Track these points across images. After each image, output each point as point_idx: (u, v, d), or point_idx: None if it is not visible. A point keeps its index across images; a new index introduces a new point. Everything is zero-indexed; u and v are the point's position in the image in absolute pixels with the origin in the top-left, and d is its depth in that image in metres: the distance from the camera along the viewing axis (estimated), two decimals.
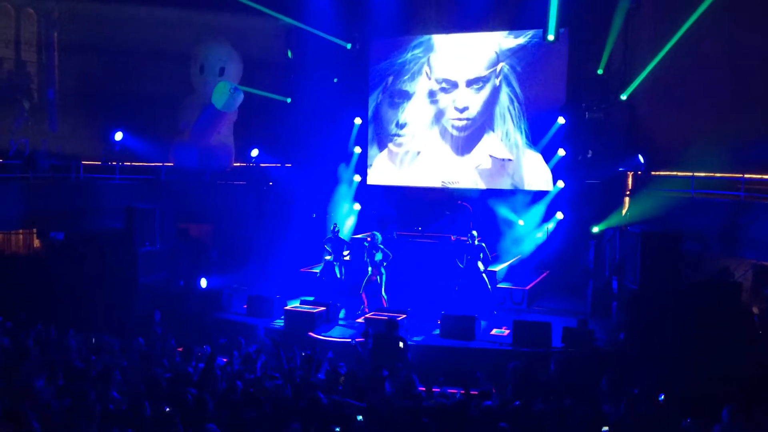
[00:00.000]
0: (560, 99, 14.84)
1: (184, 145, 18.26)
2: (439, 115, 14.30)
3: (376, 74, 17.14)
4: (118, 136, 16.71)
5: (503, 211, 15.29)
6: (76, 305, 12.65)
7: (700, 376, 9.57)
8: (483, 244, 13.10)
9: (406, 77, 15.04)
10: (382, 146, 16.92)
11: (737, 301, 10.92)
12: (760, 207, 12.48)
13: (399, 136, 16.15)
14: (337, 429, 6.26)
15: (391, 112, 16.56)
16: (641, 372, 9.51)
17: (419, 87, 14.56)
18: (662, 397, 8.25)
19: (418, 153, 14.85)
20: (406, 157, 16.05)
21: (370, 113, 17.13)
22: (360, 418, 6.87)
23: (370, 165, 17.33)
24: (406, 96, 15.84)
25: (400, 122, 16.15)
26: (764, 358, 10.04)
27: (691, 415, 7.52)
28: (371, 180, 17.85)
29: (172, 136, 18.35)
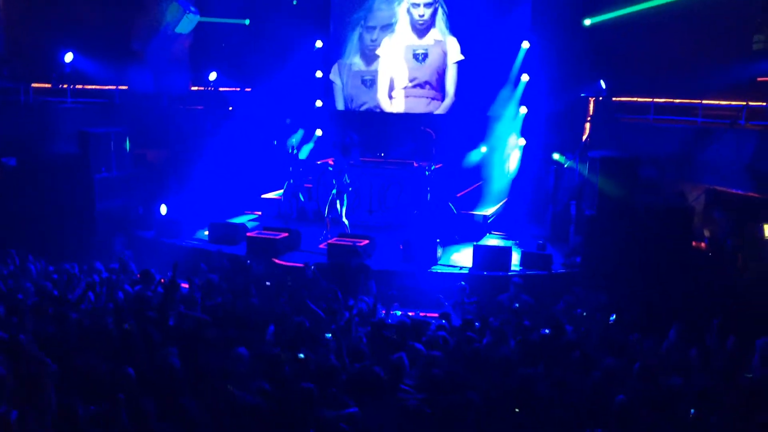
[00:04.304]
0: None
1: (138, 68, 17.58)
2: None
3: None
4: (69, 57, 15.97)
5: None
6: (31, 232, 12.41)
7: (651, 296, 9.93)
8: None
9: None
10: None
11: (689, 224, 11.24)
12: (715, 132, 12.72)
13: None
14: (301, 355, 6.31)
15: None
16: (596, 293, 9.82)
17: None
18: (613, 317, 8.56)
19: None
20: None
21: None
22: (329, 335, 6.96)
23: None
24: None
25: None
26: (713, 279, 10.46)
27: (641, 332, 7.84)
28: (333, 104, 17.76)
29: (125, 58, 17.59)
